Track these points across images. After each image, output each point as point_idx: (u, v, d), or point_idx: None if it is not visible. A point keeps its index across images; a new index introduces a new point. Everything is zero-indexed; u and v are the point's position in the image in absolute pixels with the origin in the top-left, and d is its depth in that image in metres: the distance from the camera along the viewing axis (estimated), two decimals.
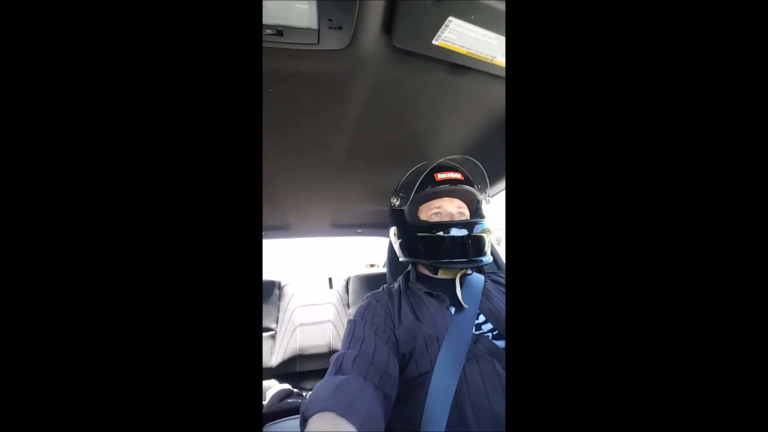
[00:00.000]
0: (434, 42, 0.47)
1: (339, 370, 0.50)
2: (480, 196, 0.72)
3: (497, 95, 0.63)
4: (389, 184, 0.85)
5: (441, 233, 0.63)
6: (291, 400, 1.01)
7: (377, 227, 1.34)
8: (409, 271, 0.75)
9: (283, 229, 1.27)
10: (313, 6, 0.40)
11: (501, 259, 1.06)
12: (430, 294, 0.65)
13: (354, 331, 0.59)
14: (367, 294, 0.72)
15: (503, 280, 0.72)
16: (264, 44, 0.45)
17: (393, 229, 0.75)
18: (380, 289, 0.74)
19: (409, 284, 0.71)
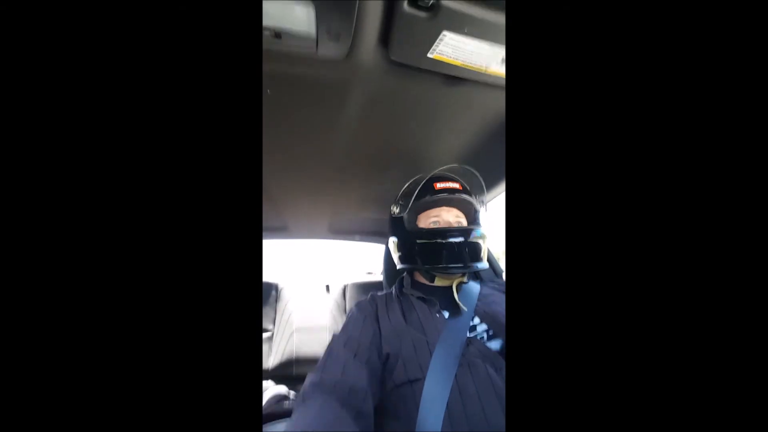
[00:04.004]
0: (429, 55, 0.49)
1: (308, 398, 0.47)
2: (477, 205, 0.73)
3: (491, 103, 0.65)
4: (385, 192, 0.86)
5: (439, 240, 0.65)
6: (288, 402, 1.01)
7: (373, 234, 1.35)
8: (403, 278, 0.76)
9: (280, 230, 1.27)
10: (311, 11, 0.41)
11: (498, 266, 1.07)
12: (422, 299, 0.66)
13: (332, 351, 0.56)
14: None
15: (500, 286, 0.74)
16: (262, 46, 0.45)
17: (392, 239, 0.76)
18: (367, 297, 0.73)
19: (403, 290, 0.72)
